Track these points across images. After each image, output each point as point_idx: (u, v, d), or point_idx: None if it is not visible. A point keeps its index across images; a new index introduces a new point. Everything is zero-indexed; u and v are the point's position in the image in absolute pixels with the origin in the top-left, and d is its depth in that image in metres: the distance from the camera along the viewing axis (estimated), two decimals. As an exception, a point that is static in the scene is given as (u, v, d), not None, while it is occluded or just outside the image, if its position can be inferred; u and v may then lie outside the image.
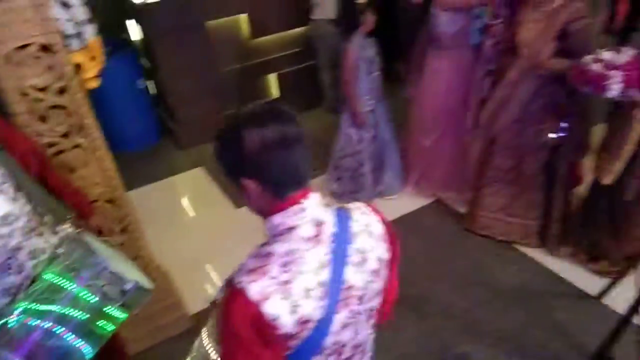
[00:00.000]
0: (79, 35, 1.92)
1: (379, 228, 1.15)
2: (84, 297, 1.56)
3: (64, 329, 1.49)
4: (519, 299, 2.62)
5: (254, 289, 0.96)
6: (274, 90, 4.67)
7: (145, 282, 1.77)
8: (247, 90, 4.50)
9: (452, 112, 3.18)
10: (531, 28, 2.44)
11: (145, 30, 4.05)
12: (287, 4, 4.32)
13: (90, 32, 1.98)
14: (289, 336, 0.98)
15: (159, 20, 3.91)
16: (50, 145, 2.01)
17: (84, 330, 1.52)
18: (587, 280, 2.60)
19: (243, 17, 4.23)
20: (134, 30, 4.46)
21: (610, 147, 2.14)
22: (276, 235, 1.03)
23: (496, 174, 2.81)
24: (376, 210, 1.18)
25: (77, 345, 1.52)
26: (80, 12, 1.93)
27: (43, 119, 1.97)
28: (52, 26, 1.83)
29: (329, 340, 1.05)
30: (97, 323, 1.58)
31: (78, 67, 1.98)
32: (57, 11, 1.85)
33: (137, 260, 2.45)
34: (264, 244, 1.04)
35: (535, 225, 2.84)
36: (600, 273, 2.61)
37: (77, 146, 2.09)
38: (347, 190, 3.43)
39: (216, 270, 3.13)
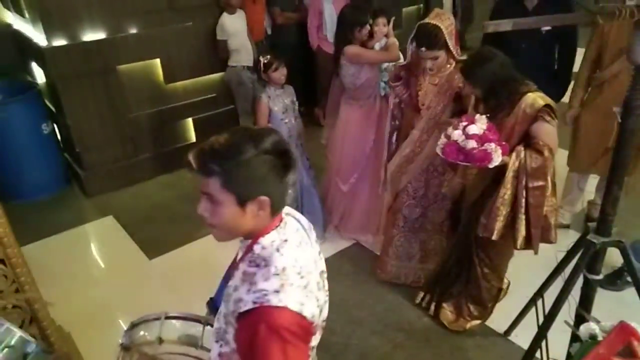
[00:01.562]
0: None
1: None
2: None
3: None
4: (433, 339, 2.69)
5: (292, 300, 1.05)
6: (191, 135, 4.59)
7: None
8: (161, 135, 4.39)
9: (366, 158, 3.30)
10: (430, 91, 2.65)
11: (50, 73, 3.85)
12: (201, 50, 4.32)
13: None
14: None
15: (65, 64, 3.74)
16: None
17: None
18: (493, 318, 2.73)
19: (156, 62, 4.16)
20: (39, 73, 4.24)
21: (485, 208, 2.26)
22: (275, 250, 1.10)
23: (405, 224, 2.92)
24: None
25: None
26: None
27: None
28: None
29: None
30: None
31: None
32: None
33: (34, 323, 2.25)
34: (264, 265, 1.09)
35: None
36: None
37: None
38: None
39: (126, 326, 2.93)
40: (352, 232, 3.49)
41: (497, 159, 1.99)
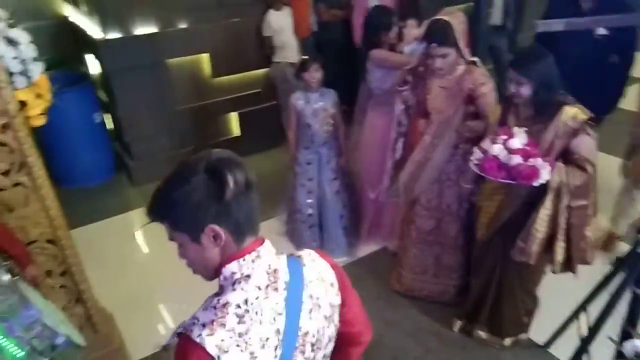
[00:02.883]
0: (24, 73, 1.88)
1: (329, 274, 1.15)
2: (10, 350, 1.48)
3: None
4: (469, 347, 2.63)
5: (212, 342, 0.93)
6: (235, 129, 4.67)
7: (77, 338, 1.70)
8: (207, 128, 4.49)
9: None
10: (440, 94, 2.54)
11: (103, 65, 4.01)
12: (248, 46, 4.38)
13: (36, 70, 1.94)
14: None
15: (118, 57, 3.88)
16: (-12, 183, 1.93)
17: None
18: (533, 328, 2.64)
19: (205, 57, 4.25)
20: (93, 65, 4.41)
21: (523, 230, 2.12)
22: (232, 284, 1.00)
23: (419, 235, 2.83)
24: (325, 255, 1.18)
25: None
26: (27, 50, 1.89)
27: (-18, 156, 1.90)
28: (-3, 63, 1.79)
29: None
30: None
31: (23, 104, 1.92)
32: (2, 49, 1.81)
33: (79, 304, 2.36)
34: (217, 294, 1.01)
35: (453, 288, 2.87)
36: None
37: (18, 184, 2.01)
38: (289, 232, 3.47)
39: (169, 311, 3.03)
40: (382, 238, 3.44)
41: (545, 176, 1.85)
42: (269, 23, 4.26)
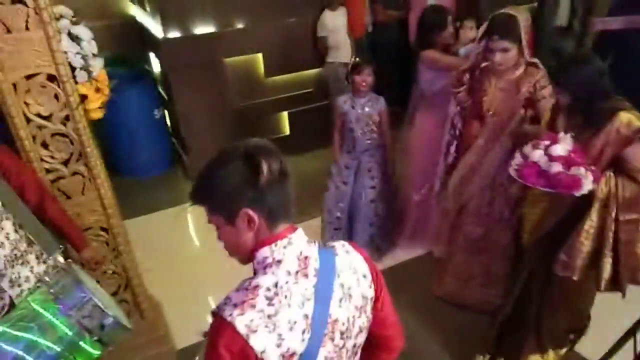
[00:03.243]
0: (86, 68, 1.99)
1: (362, 265, 1.17)
2: (62, 328, 1.56)
3: (32, 358, 1.49)
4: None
5: (242, 322, 0.97)
6: (285, 128, 4.73)
7: (124, 320, 1.77)
8: (259, 126, 4.57)
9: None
10: (497, 96, 2.45)
11: (163, 62, 4.18)
12: (302, 46, 4.42)
13: (97, 66, 2.05)
14: None
15: (177, 55, 4.03)
16: (49, 171, 2.06)
17: None
18: (585, 343, 2.49)
19: (259, 56, 4.34)
20: (155, 63, 4.61)
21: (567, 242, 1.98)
22: (263, 268, 1.05)
23: (465, 243, 2.74)
24: (359, 249, 1.20)
25: None
26: (89, 46, 2.00)
27: (45, 145, 2.03)
28: (60, 58, 1.91)
29: None
30: (70, 357, 1.57)
31: (83, 97, 2.04)
32: (66, 44, 1.93)
33: (128, 290, 2.47)
34: (250, 278, 1.06)
35: (499, 299, 2.68)
36: None
37: (76, 173, 2.13)
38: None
39: (215, 302, 3.10)
40: (426, 242, 3.36)
41: (587, 186, 1.74)
42: (324, 23, 4.28)
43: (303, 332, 1.01)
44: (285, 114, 4.67)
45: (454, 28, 3.12)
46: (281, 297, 1.00)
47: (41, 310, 1.57)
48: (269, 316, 0.98)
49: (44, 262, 1.83)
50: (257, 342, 0.96)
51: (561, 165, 1.73)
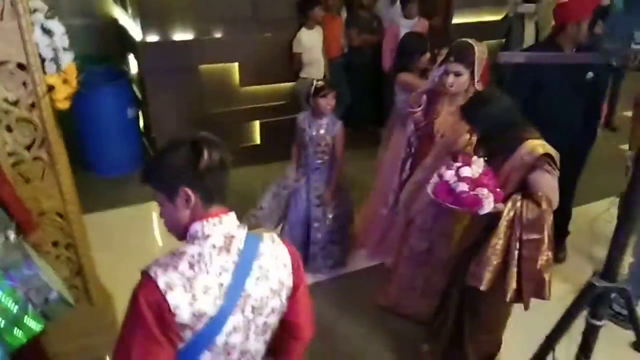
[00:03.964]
0: (55, 60, 2.10)
1: (285, 256, 1.32)
2: (7, 303, 1.63)
3: None
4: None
5: (163, 279, 1.12)
6: (256, 137, 4.87)
7: (68, 297, 1.86)
8: (231, 133, 4.69)
9: None
10: (447, 120, 2.66)
11: (140, 64, 4.30)
12: (278, 60, 4.58)
13: (66, 59, 2.17)
14: (185, 326, 1.14)
15: (155, 58, 4.16)
16: (11, 154, 2.15)
17: None
18: None
19: (235, 66, 4.49)
20: (132, 63, 4.72)
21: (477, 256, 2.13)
22: (193, 239, 1.20)
23: (410, 255, 2.89)
24: (287, 244, 1.35)
25: None
26: (60, 40, 2.12)
27: (9, 129, 2.13)
28: (31, 48, 2.02)
29: (220, 339, 1.20)
30: (12, 332, 1.64)
31: (50, 88, 2.15)
32: (38, 36, 2.04)
33: (79, 276, 2.54)
34: (181, 247, 1.20)
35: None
36: None
37: (37, 158, 2.23)
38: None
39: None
40: (385, 255, 3.47)
41: (487, 207, 1.90)
42: (300, 40, 4.46)
43: (215, 299, 1.15)
44: (257, 123, 4.82)
45: (431, 54, 3.34)
46: (202, 264, 1.15)
47: None
48: (188, 279, 1.13)
49: None
50: (172, 298, 1.11)
51: (467, 185, 1.90)
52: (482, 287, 2.07)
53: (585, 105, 2.97)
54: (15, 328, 1.66)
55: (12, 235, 1.91)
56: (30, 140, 2.18)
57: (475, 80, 2.59)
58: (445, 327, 2.47)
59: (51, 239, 2.38)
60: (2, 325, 1.62)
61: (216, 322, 1.16)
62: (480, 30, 5.45)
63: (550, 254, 2.03)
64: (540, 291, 2.03)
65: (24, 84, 2.08)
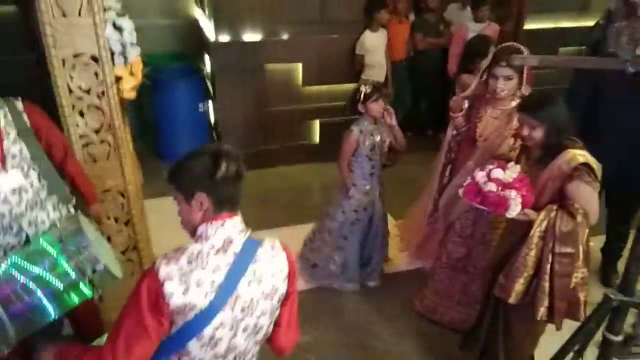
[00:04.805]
0: (123, 53, 2.36)
1: (283, 262, 1.43)
2: (64, 267, 1.82)
3: (38, 289, 1.75)
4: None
5: (164, 270, 1.27)
6: (315, 136, 5.01)
7: (116, 271, 2.04)
8: (291, 132, 4.89)
9: None
10: (490, 123, 2.61)
11: (213, 62, 4.59)
12: (340, 61, 4.70)
13: (133, 53, 2.41)
14: (177, 313, 1.27)
15: (225, 57, 4.44)
16: (82, 136, 2.44)
17: (55, 295, 1.78)
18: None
19: (298, 66, 4.67)
20: (207, 62, 5.05)
21: (507, 266, 2.07)
22: (197, 238, 1.35)
23: (448, 261, 2.86)
24: (287, 250, 1.46)
25: (46, 306, 1.76)
26: (129, 36, 2.37)
27: (82, 114, 2.41)
28: (103, 42, 2.28)
29: (207, 331, 1.31)
30: (69, 293, 1.82)
31: (118, 78, 2.40)
32: (110, 32, 2.30)
33: (135, 251, 2.80)
34: (188, 244, 1.35)
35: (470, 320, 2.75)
36: None
37: (104, 141, 2.50)
38: (313, 262, 3.35)
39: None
40: (425, 259, 3.44)
41: (514, 209, 1.86)
42: (363, 42, 4.55)
43: (207, 292, 1.28)
44: (317, 122, 4.96)
45: None
46: (199, 261, 1.29)
47: (48, 248, 1.86)
48: (185, 272, 1.27)
49: (59, 211, 2.18)
50: (168, 287, 1.25)
51: (495, 185, 1.88)
52: (511, 301, 2.03)
53: None
54: (72, 292, 1.87)
55: (72, 209, 2.17)
56: (99, 124, 2.45)
57: (523, 85, 2.54)
58: (480, 338, 2.44)
59: (113, 214, 2.65)
60: (61, 288, 1.80)
61: (205, 315, 1.28)
62: (555, 37, 5.27)
63: (586, 271, 1.96)
64: (574, 312, 1.95)
65: (96, 74, 2.34)
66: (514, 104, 2.60)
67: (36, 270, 1.78)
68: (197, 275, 1.28)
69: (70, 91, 2.34)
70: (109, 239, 2.67)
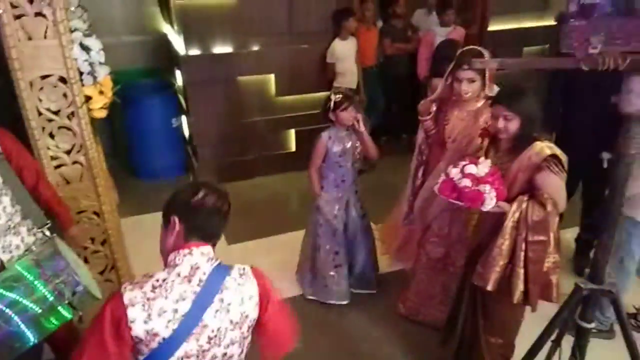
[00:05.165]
0: (92, 73, 2.35)
1: (253, 289, 1.43)
2: (42, 291, 1.81)
3: (15, 315, 1.74)
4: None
5: (128, 295, 1.29)
6: (291, 145, 5.04)
7: (96, 291, 2.03)
8: (267, 142, 4.91)
9: None
10: (457, 124, 2.68)
11: (184, 76, 4.59)
12: (312, 70, 4.75)
13: (102, 72, 2.41)
14: (140, 340, 1.29)
15: (197, 70, 4.44)
16: (54, 158, 2.41)
17: (34, 320, 1.77)
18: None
19: (271, 77, 4.70)
20: (178, 76, 5.03)
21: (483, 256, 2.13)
22: (166, 266, 1.38)
23: (427, 262, 2.90)
24: (259, 276, 1.46)
25: (24, 332, 1.76)
26: (97, 55, 2.37)
27: (52, 136, 2.39)
28: (70, 63, 2.27)
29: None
30: (47, 317, 1.82)
31: (88, 98, 2.39)
32: (77, 52, 2.29)
33: (113, 271, 2.77)
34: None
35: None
36: None
37: (76, 162, 2.48)
38: (306, 274, 3.35)
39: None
40: (406, 261, 3.45)
41: (489, 202, 1.92)
42: (333, 51, 4.60)
43: (169, 321, 1.29)
44: (292, 131, 4.99)
45: None
46: (163, 289, 1.30)
47: (25, 273, 1.83)
48: (148, 299, 1.28)
49: (34, 235, 2.14)
50: (131, 313, 1.26)
51: (470, 181, 1.94)
52: (489, 288, 2.09)
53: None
54: (51, 316, 1.84)
55: (47, 232, 2.15)
56: (70, 145, 2.44)
57: (487, 86, 2.61)
58: (457, 330, 2.49)
59: (89, 235, 2.63)
60: (39, 312, 1.80)
61: (169, 345, 1.29)
62: (518, 37, 5.42)
63: (557, 256, 2.03)
64: (548, 294, 2.03)
65: (65, 95, 2.33)
66: (479, 104, 2.66)
67: (12, 296, 1.76)
68: (160, 303, 1.29)
69: (40, 113, 2.33)
70: (85, 260, 2.65)
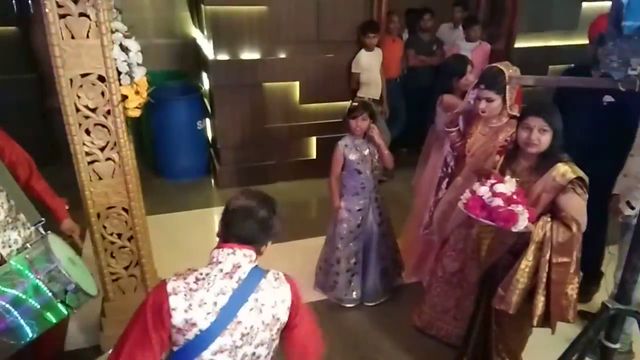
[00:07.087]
0: (129, 73, 2.42)
1: (286, 293, 1.49)
2: (41, 289, 1.84)
3: (15, 310, 1.78)
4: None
5: (172, 285, 1.37)
6: (313, 152, 5.09)
7: (91, 288, 2.03)
8: (289, 148, 4.96)
9: None
10: (478, 139, 2.69)
11: (211, 80, 4.68)
12: (336, 79, 4.80)
13: (139, 73, 2.47)
14: (178, 330, 1.34)
15: (223, 75, 4.52)
16: (88, 154, 2.48)
17: (33, 315, 1.81)
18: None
19: (296, 84, 4.77)
20: (205, 80, 5.13)
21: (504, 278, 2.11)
22: (210, 262, 1.45)
23: (443, 275, 2.89)
24: (291, 281, 1.53)
25: (24, 326, 1.80)
26: (135, 56, 2.44)
27: (88, 132, 2.46)
28: (110, 63, 2.35)
29: (206, 355, 1.37)
30: (46, 313, 1.85)
31: (124, 97, 2.46)
32: (117, 52, 2.37)
33: (137, 267, 2.82)
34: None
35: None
36: None
37: (109, 159, 2.54)
38: (321, 283, 3.42)
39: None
40: (423, 275, 3.47)
41: (522, 223, 1.90)
42: (358, 61, 4.65)
43: (208, 313, 1.35)
44: (314, 139, 5.05)
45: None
46: (205, 282, 1.38)
47: (22, 271, 1.84)
48: (191, 290, 1.36)
49: (28, 229, 2.18)
50: (173, 301, 1.34)
51: (502, 201, 1.92)
52: (511, 311, 2.07)
53: (609, 131, 2.81)
54: (48, 311, 1.86)
55: (40, 229, 2.11)
56: (104, 142, 2.50)
57: (508, 105, 2.62)
58: (470, 348, 2.49)
59: (116, 230, 2.68)
60: (38, 307, 1.83)
61: (205, 336, 1.35)
62: (544, 55, 5.41)
63: (577, 278, 2.01)
64: (565, 314, 2.02)
65: (102, 93, 2.40)
66: (502, 122, 2.66)
67: (14, 292, 1.79)
68: (201, 294, 1.35)
69: (78, 110, 2.40)
70: (112, 255, 2.71)
